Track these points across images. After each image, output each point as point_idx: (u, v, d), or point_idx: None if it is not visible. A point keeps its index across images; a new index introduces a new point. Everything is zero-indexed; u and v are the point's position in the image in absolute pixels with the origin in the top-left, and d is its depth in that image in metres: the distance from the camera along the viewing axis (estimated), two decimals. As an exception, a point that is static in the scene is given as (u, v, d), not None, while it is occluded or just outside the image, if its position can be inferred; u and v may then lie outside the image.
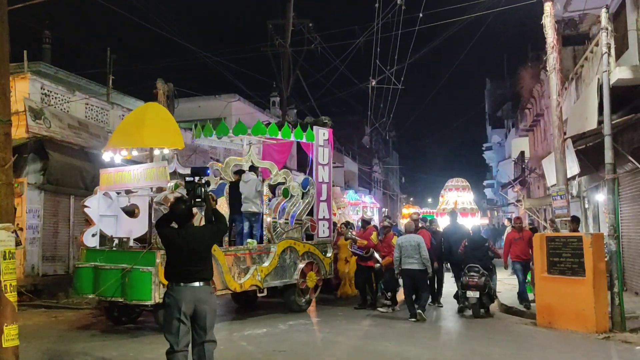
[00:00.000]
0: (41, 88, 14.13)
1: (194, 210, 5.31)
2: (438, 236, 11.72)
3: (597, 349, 7.53)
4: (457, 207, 14.04)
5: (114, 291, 8.26)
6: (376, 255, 11.13)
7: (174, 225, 5.10)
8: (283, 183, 11.20)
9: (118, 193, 9.68)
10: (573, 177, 11.82)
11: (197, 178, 5.24)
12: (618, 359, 7.16)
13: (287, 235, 10.52)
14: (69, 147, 14.07)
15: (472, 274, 9.94)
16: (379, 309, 10.72)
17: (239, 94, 26.00)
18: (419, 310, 9.61)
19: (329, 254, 11.51)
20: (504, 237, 13.30)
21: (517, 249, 11.17)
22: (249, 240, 10.28)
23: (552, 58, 10.25)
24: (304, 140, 11.63)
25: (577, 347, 7.63)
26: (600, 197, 13.26)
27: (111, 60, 20.28)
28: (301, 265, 10.63)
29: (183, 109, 19.17)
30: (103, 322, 9.38)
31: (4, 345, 4.89)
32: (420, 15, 14.14)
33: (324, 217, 11.63)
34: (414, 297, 9.88)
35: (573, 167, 10.89)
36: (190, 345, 4.93)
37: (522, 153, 32.35)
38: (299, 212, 10.77)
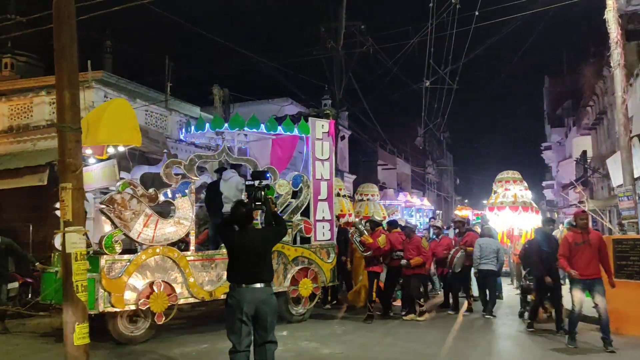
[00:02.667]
0: (104, 96, 14.74)
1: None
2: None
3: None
4: (517, 200, 13.28)
5: (52, 296, 8.02)
6: (399, 253, 10.15)
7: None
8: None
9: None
10: (640, 177, 11.32)
11: (257, 182, 5.35)
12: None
13: None
14: (132, 152, 14.58)
15: (532, 277, 9.66)
16: (418, 318, 9.92)
17: (292, 97, 26.31)
18: (489, 308, 10.35)
19: (330, 259, 10.36)
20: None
21: (581, 260, 7.56)
22: None
23: (616, 54, 9.87)
24: (296, 132, 10.57)
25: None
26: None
27: (169, 68, 20.94)
28: (292, 272, 9.57)
29: (238, 114, 19.56)
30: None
31: (75, 344, 5.13)
32: (476, 13, 13.86)
33: (323, 217, 10.40)
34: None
35: (640, 166, 10.46)
36: (252, 345, 5.02)
37: (584, 152, 31.16)
38: (288, 212, 9.85)
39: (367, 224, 10.64)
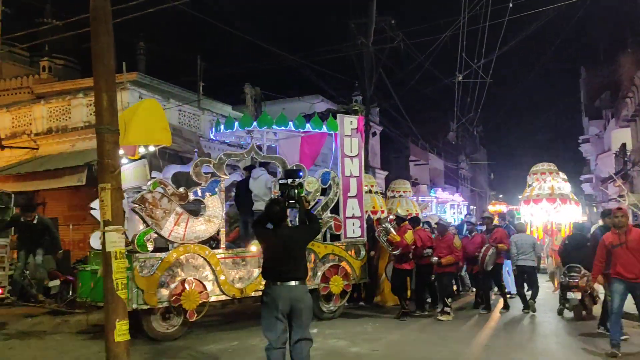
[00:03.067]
0: (139, 97, 15.02)
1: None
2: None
3: None
4: (554, 192, 12.60)
5: (88, 294, 8.17)
6: (428, 250, 9.97)
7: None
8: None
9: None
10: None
11: (290, 180, 5.37)
12: None
13: None
14: (165, 151, 14.83)
15: (572, 274, 9.45)
16: (440, 317, 9.71)
17: (322, 94, 26.29)
18: (531, 301, 10.39)
19: (361, 257, 10.34)
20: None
21: (621, 263, 6.94)
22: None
23: (658, 42, 9.52)
24: (324, 130, 10.52)
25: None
26: None
27: (201, 68, 21.20)
28: (323, 269, 9.59)
29: (269, 112, 19.65)
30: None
31: (116, 340, 5.23)
32: (510, 5, 13.57)
33: (353, 214, 10.36)
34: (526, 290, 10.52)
35: (684, 159, 10.10)
36: (287, 342, 5.05)
37: (624, 145, 30.27)
38: (317, 209, 9.75)
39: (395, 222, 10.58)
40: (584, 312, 9.55)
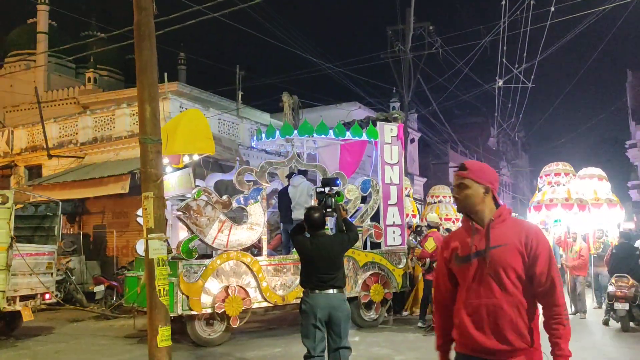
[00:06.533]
0: (180, 107, 15.35)
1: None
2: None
3: None
4: (571, 197, 10.98)
5: (134, 299, 8.26)
6: (434, 264, 9.08)
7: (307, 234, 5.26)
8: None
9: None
10: None
11: (327, 189, 5.39)
12: None
13: None
14: (208, 160, 15.09)
15: (620, 284, 9.16)
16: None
17: (360, 101, 26.28)
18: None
19: (401, 265, 10.21)
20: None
21: None
22: None
23: None
24: (364, 137, 10.44)
25: None
26: None
27: (240, 77, 21.52)
28: (363, 277, 9.55)
29: (307, 119, 19.77)
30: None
31: (159, 345, 5.35)
32: (552, 9, 13.30)
33: (393, 222, 10.27)
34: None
35: None
36: (326, 351, 5.06)
37: (673, 150, 29.16)
38: (357, 217, 9.74)
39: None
40: (631, 323, 9.23)
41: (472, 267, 2.63)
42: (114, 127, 16.61)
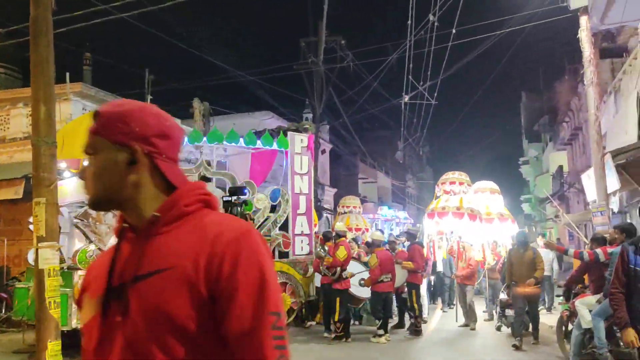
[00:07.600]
0: (83, 109, 14.63)
1: None
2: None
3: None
4: (462, 207, 10.79)
5: (24, 312, 7.90)
6: (344, 273, 9.38)
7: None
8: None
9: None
10: (614, 193, 11.40)
11: (234, 198, 5.36)
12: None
13: None
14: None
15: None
16: (372, 339, 9.33)
17: (273, 111, 26.36)
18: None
19: (308, 274, 10.32)
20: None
21: None
22: None
23: (590, 72, 10.10)
24: (275, 147, 10.54)
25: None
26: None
27: (149, 81, 20.87)
28: None
29: (218, 127, 19.53)
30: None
31: (47, 361, 5.03)
32: (453, 31, 14.10)
33: (302, 232, 10.44)
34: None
35: (613, 182, 10.51)
36: None
37: (561, 167, 31.71)
38: (266, 226, 9.77)
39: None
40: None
41: (102, 320, 1.25)
42: (8, 128, 15.54)
